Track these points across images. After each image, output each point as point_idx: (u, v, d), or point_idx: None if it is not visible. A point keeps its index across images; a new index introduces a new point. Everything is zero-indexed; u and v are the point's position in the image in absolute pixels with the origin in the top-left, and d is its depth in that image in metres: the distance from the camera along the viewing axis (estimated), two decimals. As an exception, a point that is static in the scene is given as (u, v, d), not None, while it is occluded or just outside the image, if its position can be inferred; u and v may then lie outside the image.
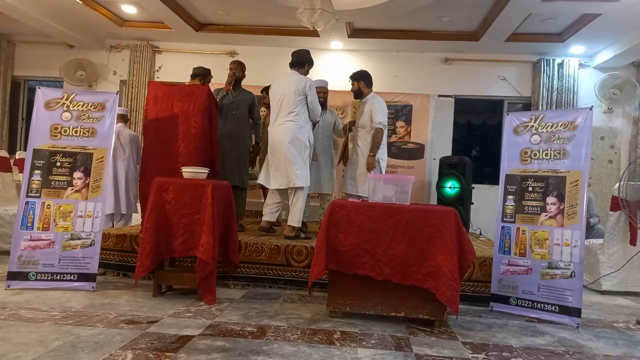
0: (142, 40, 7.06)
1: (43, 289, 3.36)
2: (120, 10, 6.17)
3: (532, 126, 3.61)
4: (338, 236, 3.03)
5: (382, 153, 4.73)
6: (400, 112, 6.64)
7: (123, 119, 5.33)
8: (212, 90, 4.46)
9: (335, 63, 6.99)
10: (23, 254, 3.40)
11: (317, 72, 6.78)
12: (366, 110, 4.66)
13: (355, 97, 4.84)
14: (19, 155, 6.10)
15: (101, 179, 3.59)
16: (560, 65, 6.59)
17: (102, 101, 3.69)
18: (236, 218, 3.80)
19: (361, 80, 4.71)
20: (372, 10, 5.45)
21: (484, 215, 6.30)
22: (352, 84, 4.76)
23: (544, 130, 3.55)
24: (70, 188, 3.54)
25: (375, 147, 4.56)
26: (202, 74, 4.65)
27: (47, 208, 3.48)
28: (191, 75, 4.68)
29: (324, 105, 5.00)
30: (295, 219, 4.20)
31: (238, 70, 4.75)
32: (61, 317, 2.78)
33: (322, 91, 4.95)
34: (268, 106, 4.74)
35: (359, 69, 4.86)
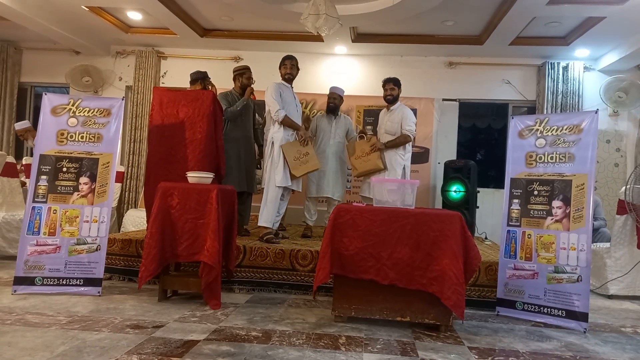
0: (148, 46, 7.10)
1: (49, 293, 3.38)
2: (125, 16, 6.21)
3: (537, 129, 3.60)
4: (343, 240, 3.03)
5: (407, 159, 4.81)
6: (405, 116, 6.64)
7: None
8: (219, 94, 4.50)
9: (340, 68, 7.00)
10: (29, 259, 3.42)
11: (321, 77, 6.83)
12: (396, 119, 4.73)
13: (388, 102, 4.84)
14: (25, 160, 6.14)
15: (107, 184, 3.61)
16: (565, 68, 6.56)
17: (108, 107, 3.72)
18: (237, 224, 3.80)
19: (399, 87, 4.82)
20: (376, 14, 5.46)
21: (489, 219, 6.27)
22: (392, 88, 4.77)
23: (549, 133, 3.54)
24: (76, 193, 3.56)
25: (394, 143, 4.67)
26: (201, 77, 4.69)
27: (54, 213, 3.50)
28: (190, 82, 4.71)
29: (334, 110, 5.03)
30: (262, 219, 4.30)
31: (252, 77, 4.80)
32: (67, 321, 2.79)
33: (332, 97, 5.04)
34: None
35: (394, 75, 4.91)
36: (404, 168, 4.72)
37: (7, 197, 5.15)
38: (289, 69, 4.45)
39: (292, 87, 4.54)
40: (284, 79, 4.47)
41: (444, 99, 6.79)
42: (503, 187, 3.76)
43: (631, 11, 4.98)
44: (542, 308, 3.35)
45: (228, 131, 4.52)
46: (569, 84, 6.54)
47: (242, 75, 4.70)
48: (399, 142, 4.67)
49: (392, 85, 4.78)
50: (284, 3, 5.40)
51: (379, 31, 6.32)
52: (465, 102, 6.99)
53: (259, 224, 4.30)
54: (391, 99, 4.78)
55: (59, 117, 3.65)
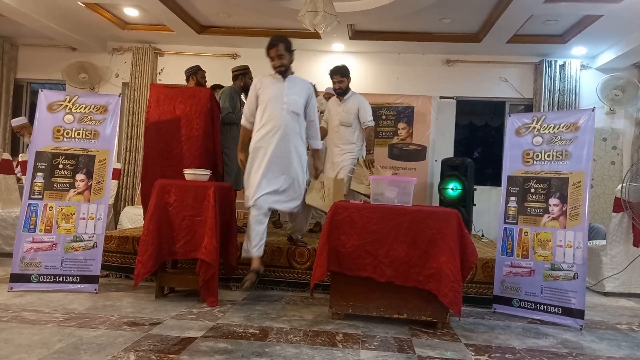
0: (144, 42, 7.08)
1: (46, 291, 3.37)
2: (122, 13, 6.19)
3: (534, 127, 3.61)
4: (340, 238, 3.03)
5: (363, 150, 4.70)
6: (402, 114, 6.64)
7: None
8: (224, 92, 4.51)
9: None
10: (26, 256, 3.40)
11: (318, 75, 6.78)
12: (350, 109, 4.58)
13: (340, 94, 4.62)
14: (21, 157, 6.11)
15: (103, 181, 3.59)
16: (562, 66, 6.58)
17: (105, 103, 3.71)
18: (236, 220, 3.81)
19: (348, 77, 4.60)
20: (374, 12, 5.46)
21: (486, 216, 6.30)
22: (341, 80, 4.51)
23: (546, 131, 3.54)
24: (72, 190, 3.55)
25: (371, 145, 4.59)
26: (193, 72, 4.69)
27: (50, 210, 3.49)
28: (185, 80, 4.74)
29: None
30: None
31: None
32: (64, 319, 2.78)
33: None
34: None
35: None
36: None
37: (3, 194, 5.13)
38: (275, 59, 3.48)
39: (285, 77, 3.56)
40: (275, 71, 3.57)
41: (441, 97, 6.80)
42: (500, 185, 3.77)
43: (628, 9, 4.99)
44: (538, 305, 3.36)
45: (232, 131, 4.50)
46: (566, 82, 6.55)
47: (246, 75, 4.70)
48: (372, 140, 4.59)
49: (339, 77, 4.52)
50: (282, 0, 5.39)
51: (376, 28, 6.31)
52: (463, 99, 7.00)
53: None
54: (341, 91, 4.60)
55: (55, 114, 3.63)
